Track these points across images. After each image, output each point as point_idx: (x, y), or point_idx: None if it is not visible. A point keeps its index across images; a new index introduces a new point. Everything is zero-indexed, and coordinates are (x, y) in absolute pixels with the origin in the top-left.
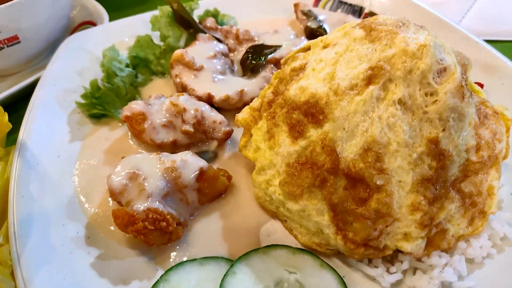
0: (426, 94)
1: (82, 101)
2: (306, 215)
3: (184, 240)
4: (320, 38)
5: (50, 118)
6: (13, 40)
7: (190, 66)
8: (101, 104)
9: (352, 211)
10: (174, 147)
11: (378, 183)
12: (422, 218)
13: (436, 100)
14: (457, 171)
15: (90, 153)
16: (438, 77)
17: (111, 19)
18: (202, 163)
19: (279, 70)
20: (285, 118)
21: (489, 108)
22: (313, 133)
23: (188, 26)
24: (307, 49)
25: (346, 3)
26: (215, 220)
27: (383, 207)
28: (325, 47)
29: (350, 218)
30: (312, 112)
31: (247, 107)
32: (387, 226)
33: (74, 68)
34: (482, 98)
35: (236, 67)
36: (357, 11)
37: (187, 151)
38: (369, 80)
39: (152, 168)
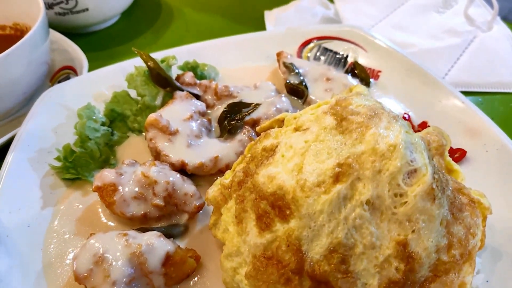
0: (395, 195)
1: (56, 163)
2: None
3: None
4: (293, 115)
5: (23, 184)
6: None
7: (165, 130)
8: (74, 167)
9: None
10: (144, 220)
11: (343, 287)
12: None
13: (406, 202)
14: (426, 272)
15: (61, 223)
16: (408, 178)
17: (91, 60)
18: (168, 246)
19: (252, 143)
20: (253, 206)
21: (465, 196)
22: (280, 228)
23: (165, 85)
24: (281, 121)
25: (331, 50)
26: None
27: None
28: (296, 129)
29: None
30: (279, 205)
31: (218, 181)
32: None
33: (50, 125)
34: (458, 184)
35: (214, 125)
36: (342, 60)
37: (155, 232)
38: (336, 178)
39: (118, 252)
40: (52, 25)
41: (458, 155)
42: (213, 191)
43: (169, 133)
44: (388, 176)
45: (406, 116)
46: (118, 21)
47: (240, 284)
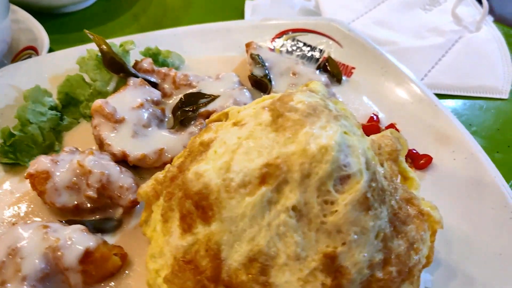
0: (325, 202)
1: None
2: None
3: None
4: (238, 108)
5: None
6: None
7: (110, 118)
8: (13, 152)
9: None
10: (77, 212)
11: None
12: None
13: (336, 211)
14: None
15: None
16: (341, 184)
17: (60, 42)
18: (90, 242)
19: (194, 136)
20: (179, 204)
21: (415, 207)
22: (201, 231)
23: (118, 70)
24: (226, 114)
25: (305, 44)
26: None
27: None
28: (235, 124)
29: None
30: (203, 206)
31: (153, 177)
32: None
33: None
34: (409, 193)
35: (168, 116)
36: (315, 55)
37: (79, 226)
38: (263, 179)
39: (34, 245)
40: (28, 4)
41: (424, 161)
42: (147, 185)
43: (115, 120)
44: (317, 180)
45: (374, 116)
46: (95, 3)
47: (161, 287)
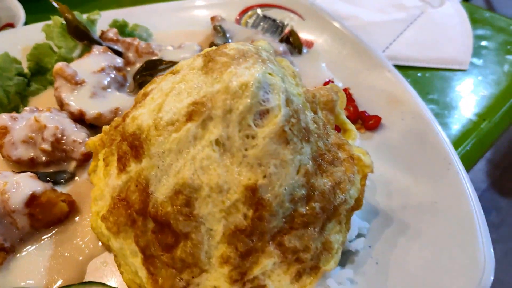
0: (246, 137)
1: None
2: (124, 254)
3: (6, 266)
4: (186, 61)
5: None
6: None
7: (70, 80)
8: None
9: (158, 256)
10: (32, 165)
11: (184, 230)
12: (232, 272)
13: (256, 144)
14: (280, 223)
15: None
16: (260, 118)
17: (32, 21)
18: (37, 187)
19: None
20: (117, 148)
21: (345, 152)
22: (133, 168)
23: (82, 37)
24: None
25: (270, 18)
26: (46, 248)
27: (189, 257)
28: (173, 72)
29: (159, 263)
30: (136, 145)
31: (102, 129)
32: (193, 277)
33: None
34: (341, 140)
35: (130, 81)
36: (279, 28)
37: (27, 173)
38: (189, 117)
39: None
40: None
41: (373, 121)
42: (95, 137)
43: (75, 82)
44: (238, 115)
45: (329, 82)
46: None
47: (102, 228)
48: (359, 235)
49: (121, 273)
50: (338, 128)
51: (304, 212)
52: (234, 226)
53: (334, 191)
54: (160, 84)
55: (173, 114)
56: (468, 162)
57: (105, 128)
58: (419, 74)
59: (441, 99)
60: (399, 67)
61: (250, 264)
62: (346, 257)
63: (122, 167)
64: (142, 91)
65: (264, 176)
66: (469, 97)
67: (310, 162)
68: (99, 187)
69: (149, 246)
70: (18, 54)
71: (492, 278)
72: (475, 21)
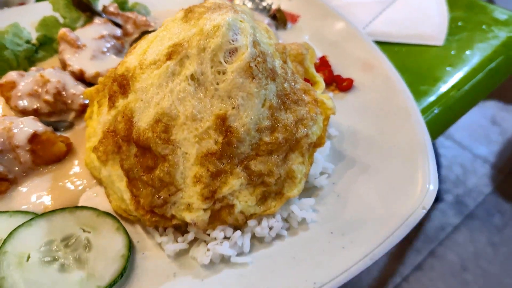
0: (218, 73)
1: None
2: (111, 180)
3: (9, 195)
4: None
5: None
6: None
7: (73, 44)
8: None
9: (140, 178)
10: (36, 115)
11: (163, 152)
12: (203, 190)
13: (226, 79)
14: (247, 149)
15: None
16: (230, 56)
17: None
18: (39, 127)
19: None
20: (108, 89)
21: (310, 96)
22: (121, 103)
23: (85, 9)
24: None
25: None
26: (45, 181)
27: (166, 176)
28: (160, 28)
29: (140, 184)
30: (123, 84)
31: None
32: (170, 195)
33: None
34: (307, 86)
35: (127, 49)
36: (267, 7)
37: (30, 116)
38: (169, 56)
39: None
40: None
41: (346, 83)
42: (92, 87)
43: (77, 46)
44: (210, 53)
45: None
46: None
47: (94, 161)
48: (324, 174)
49: (110, 202)
50: (308, 81)
51: (269, 141)
52: (206, 150)
53: (296, 126)
54: (148, 36)
55: (156, 55)
56: (436, 126)
57: (101, 78)
58: (395, 49)
59: (415, 71)
60: (377, 43)
61: (220, 184)
62: (311, 191)
63: (112, 104)
64: (133, 45)
65: (233, 108)
66: (441, 70)
67: (275, 98)
68: (92, 126)
69: (132, 169)
70: (28, 27)
71: (432, 190)
72: (453, 5)
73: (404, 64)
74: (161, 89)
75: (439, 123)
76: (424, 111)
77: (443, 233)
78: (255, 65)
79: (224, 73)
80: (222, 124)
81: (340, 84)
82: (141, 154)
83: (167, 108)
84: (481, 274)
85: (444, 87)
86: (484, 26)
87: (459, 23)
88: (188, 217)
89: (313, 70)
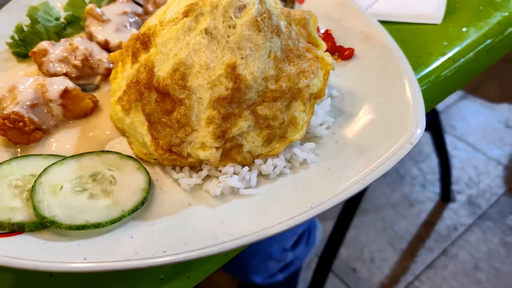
0: (229, 27)
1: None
2: (134, 127)
3: (42, 143)
4: None
5: None
6: None
7: (98, 18)
8: (24, 45)
9: (160, 120)
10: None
11: (180, 97)
12: (215, 130)
13: (236, 32)
14: (255, 96)
15: (2, 80)
16: (239, 12)
17: None
18: (70, 84)
19: None
20: (132, 48)
21: (311, 53)
22: (143, 57)
23: None
24: None
25: None
26: (74, 132)
27: (183, 117)
28: None
29: (160, 127)
30: (145, 41)
31: None
32: (186, 135)
33: (17, 19)
34: (311, 46)
35: None
36: None
37: (62, 77)
38: (186, 14)
39: (28, 83)
40: None
41: (348, 52)
42: (116, 51)
43: (102, 20)
44: (221, 9)
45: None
46: None
47: (118, 112)
48: (324, 125)
49: (132, 148)
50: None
51: (274, 88)
52: (218, 95)
53: (298, 77)
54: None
55: (174, 14)
56: (431, 95)
57: (124, 43)
58: (396, 28)
59: (413, 46)
60: (381, 22)
61: (230, 125)
62: (313, 140)
63: (135, 59)
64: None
65: (242, 58)
66: (438, 45)
67: (279, 51)
68: (116, 82)
69: (153, 113)
70: (57, 7)
71: (419, 132)
72: None
73: (404, 40)
74: (179, 42)
75: (435, 92)
76: (420, 80)
77: (456, 233)
78: (261, 20)
79: (234, 27)
80: (232, 72)
81: (342, 53)
82: (161, 100)
83: (184, 58)
84: (494, 273)
85: (440, 60)
86: (481, 7)
87: (457, 5)
88: (202, 154)
89: (315, 34)
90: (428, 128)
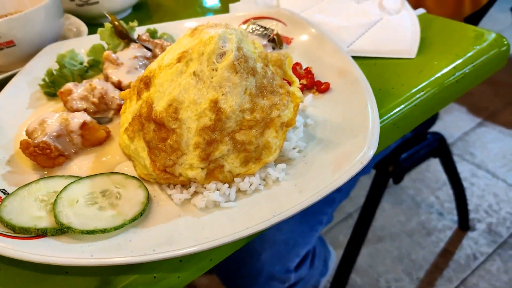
0: (212, 69)
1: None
2: (137, 152)
3: (64, 167)
4: None
5: (18, 93)
6: (10, 44)
7: (113, 62)
8: (53, 86)
9: (157, 146)
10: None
11: (173, 127)
12: (201, 153)
13: (217, 74)
14: (233, 125)
15: (34, 115)
16: (220, 58)
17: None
18: (87, 118)
19: None
20: (137, 87)
21: (284, 89)
22: (145, 95)
23: (124, 37)
24: None
25: (261, 26)
26: (90, 157)
27: (175, 144)
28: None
29: (157, 152)
30: (147, 82)
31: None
32: (177, 158)
33: (48, 64)
34: (284, 83)
35: None
36: (267, 32)
37: (82, 112)
38: (178, 60)
39: (55, 118)
40: (76, 14)
41: (324, 86)
42: (126, 90)
43: (116, 64)
44: (206, 56)
45: (298, 66)
46: (128, 15)
47: (125, 140)
48: (296, 148)
49: (136, 170)
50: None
51: (249, 118)
52: (203, 124)
53: (271, 108)
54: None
55: (169, 59)
56: (404, 122)
57: (132, 83)
58: (373, 63)
59: (388, 78)
60: (358, 58)
61: (213, 149)
62: (286, 160)
63: (139, 97)
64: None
65: (223, 94)
66: (412, 78)
67: (254, 88)
68: (125, 115)
69: (151, 140)
70: (81, 52)
71: (371, 153)
72: (428, 26)
73: (379, 73)
74: (173, 83)
75: (407, 119)
76: (391, 109)
77: (475, 262)
78: (238, 63)
79: (216, 70)
80: (215, 106)
81: (319, 87)
82: (158, 129)
83: (176, 96)
84: None
85: (411, 90)
86: (453, 42)
87: (431, 40)
88: (190, 173)
89: (290, 72)
90: (435, 154)
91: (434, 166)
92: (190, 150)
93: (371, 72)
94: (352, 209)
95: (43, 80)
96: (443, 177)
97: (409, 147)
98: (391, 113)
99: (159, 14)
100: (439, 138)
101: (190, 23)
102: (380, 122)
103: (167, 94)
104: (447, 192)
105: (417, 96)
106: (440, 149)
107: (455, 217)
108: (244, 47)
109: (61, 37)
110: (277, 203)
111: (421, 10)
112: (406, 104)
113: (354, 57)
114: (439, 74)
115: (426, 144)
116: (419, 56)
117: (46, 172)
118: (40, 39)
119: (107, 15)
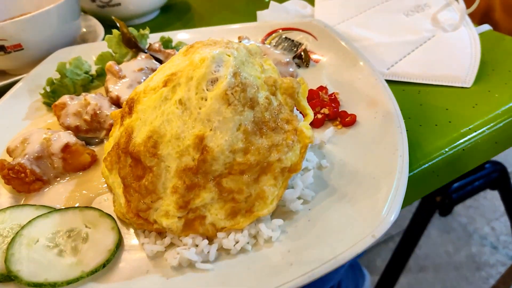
0: (201, 98)
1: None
2: (114, 187)
3: (41, 193)
4: None
5: (17, 102)
6: (17, 47)
7: (115, 74)
8: (53, 96)
9: (131, 185)
10: (77, 131)
11: (149, 164)
12: (178, 199)
13: (206, 104)
14: (221, 168)
15: (30, 127)
16: (211, 85)
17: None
18: (71, 140)
19: None
20: (122, 111)
21: (291, 126)
22: (127, 121)
23: (132, 46)
24: None
25: (289, 38)
26: (70, 184)
27: (150, 185)
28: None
29: (132, 191)
30: (131, 106)
31: None
32: (152, 202)
33: (51, 71)
34: (292, 117)
35: None
36: (295, 47)
37: (68, 131)
38: (165, 83)
39: (37, 137)
40: (98, 16)
41: (349, 119)
42: (117, 110)
43: (119, 76)
44: (195, 81)
45: (323, 87)
46: (155, 18)
47: (105, 170)
48: (301, 199)
49: (114, 206)
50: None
51: (241, 161)
52: (185, 165)
53: (270, 150)
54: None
55: (156, 82)
56: (447, 168)
57: (124, 102)
58: (418, 91)
59: (435, 113)
60: (400, 83)
61: (193, 196)
62: (286, 215)
63: (121, 122)
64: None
65: (211, 129)
66: (464, 112)
67: (251, 124)
68: (109, 142)
69: (127, 177)
70: (91, 61)
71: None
72: (492, 47)
73: (424, 103)
74: (155, 111)
75: (449, 167)
76: (431, 152)
77: None
78: (232, 93)
79: (205, 99)
80: (200, 143)
81: (344, 119)
82: (134, 165)
83: (158, 127)
84: None
85: (462, 128)
86: None
87: (492, 68)
88: (164, 222)
89: (304, 103)
90: (494, 186)
91: (492, 192)
92: (167, 194)
93: (412, 101)
94: (394, 231)
95: (44, 89)
96: (502, 206)
97: (463, 175)
98: (431, 157)
99: (186, 17)
100: (500, 169)
101: (209, 29)
102: (415, 168)
103: (148, 123)
104: (505, 223)
105: (468, 137)
106: (500, 180)
107: (511, 252)
108: (243, 72)
109: (78, 40)
110: (260, 276)
111: (486, 27)
112: (451, 146)
113: (395, 82)
114: (499, 111)
115: (484, 175)
116: (476, 85)
117: (24, 197)
118: (51, 42)
119: (115, 20)
